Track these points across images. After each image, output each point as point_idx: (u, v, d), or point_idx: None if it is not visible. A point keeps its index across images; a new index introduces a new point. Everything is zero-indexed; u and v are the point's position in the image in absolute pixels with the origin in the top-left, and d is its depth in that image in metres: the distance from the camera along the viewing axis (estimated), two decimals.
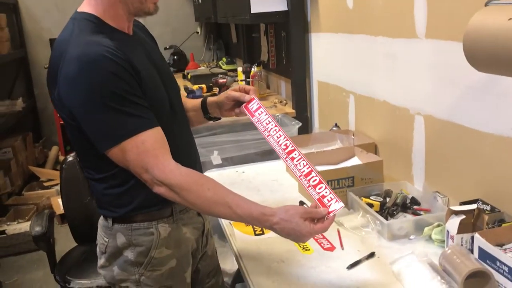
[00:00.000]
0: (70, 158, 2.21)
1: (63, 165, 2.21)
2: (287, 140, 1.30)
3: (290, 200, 1.76)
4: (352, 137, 2.11)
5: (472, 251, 1.23)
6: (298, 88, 2.75)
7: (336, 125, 2.31)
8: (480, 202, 1.39)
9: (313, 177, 1.22)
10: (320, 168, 1.84)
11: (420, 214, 1.55)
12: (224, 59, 4.65)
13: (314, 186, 1.21)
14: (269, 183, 2.00)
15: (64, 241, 3.18)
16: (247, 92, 1.41)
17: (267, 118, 1.35)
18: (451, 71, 1.51)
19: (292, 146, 1.28)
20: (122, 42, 1.19)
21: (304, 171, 1.24)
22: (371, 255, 1.37)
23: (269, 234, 1.52)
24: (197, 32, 5.18)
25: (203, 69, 4.42)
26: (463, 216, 1.26)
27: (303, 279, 1.29)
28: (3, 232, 3.32)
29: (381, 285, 1.26)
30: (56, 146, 4.92)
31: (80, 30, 1.17)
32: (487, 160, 1.41)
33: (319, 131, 2.64)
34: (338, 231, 1.52)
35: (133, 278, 1.30)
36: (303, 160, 1.25)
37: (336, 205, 1.16)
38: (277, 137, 1.31)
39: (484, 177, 1.44)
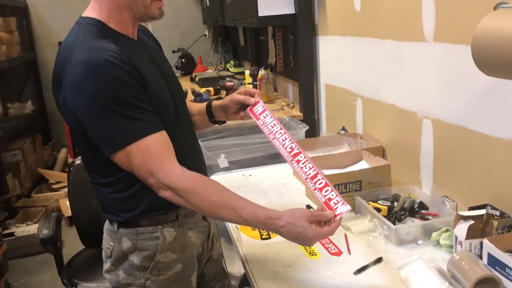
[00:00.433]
0: (77, 161, 2.22)
1: (71, 168, 2.22)
2: (292, 142, 1.29)
3: (297, 204, 1.74)
4: (360, 140, 2.10)
5: (481, 257, 1.21)
6: (306, 91, 2.75)
7: (343, 129, 2.30)
8: (489, 207, 1.37)
9: (319, 179, 1.21)
10: (327, 172, 1.83)
11: (428, 219, 1.53)
12: (231, 62, 4.65)
13: (320, 189, 1.20)
14: (276, 186, 2.00)
15: (72, 243, 3.19)
16: (252, 95, 1.41)
17: (272, 121, 1.35)
18: (460, 74, 1.49)
19: (298, 149, 1.27)
20: (126, 47, 1.19)
21: (310, 173, 1.23)
22: (379, 260, 1.36)
23: (276, 239, 1.52)
24: (205, 35, 5.19)
25: (210, 72, 4.42)
26: (472, 222, 1.25)
27: (309, 284, 1.28)
28: (12, 234, 3.35)
29: None
30: (65, 148, 4.95)
31: (84, 35, 1.17)
32: (496, 165, 1.40)
33: (327, 134, 2.63)
34: (345, 236, 1.51)
35: (138, 283, 1.30)
36: (309, 162, 1.24)
37: (343, 208, 1.15)
38: (282, 139, 1.31)
39: (493, 182, 1.42)
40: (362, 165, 1.90)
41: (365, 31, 2.07)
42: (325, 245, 1.47)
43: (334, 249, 1.45)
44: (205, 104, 1.52)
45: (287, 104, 3.02)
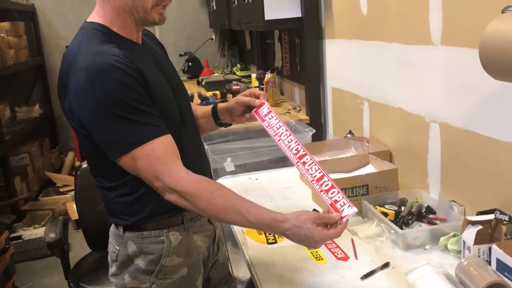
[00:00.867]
0: (84, 165, 2.23)
1: (78, 172, 2.23)
2: (298, 144, 1.29)
3: (303, 208, 1.71)
4: (367, 144, 2.09)
5: (489, 262, 1.20)
6: (312, 95, 2.74)
7: (350, 132, 2.29)
8: (498, 212, 1.36)
9: (325, 181, 1.21)
10: (334, 176, 1.82)
11: (436, 224, 1.52)
12: (238, 65, 4.66)
13: (327, 191, 1.19)
14: (282, 190, 1.99)
15: (79, 247, 3.20)
16: (257, 97, 1.41)
17: (277, 123, 1.34)
18: (467, 78, 1.48)
19: (304, 151, 1.27)
20: (130, 51, 1.20)
21: (316, 175, 1.23)
22: (386, 265, 1.35)
23: (282, 243, 1.51)
24: (212, 39, 5.20)
25: (217, 76, 4.43)
26: (480, 227, 1.24)
27: None
28: (19, 237, 3.36)
29: None
30: (72, 152, 4.97)
31: (89, 40, 1.18)
32: (505, 169, 1.38)
33: (333, 138, 2.62)
34: (352, 240, 1.50)
35: (144, 287, 1.29)
36: (315, 164, 1.24)
37: (349, 210, 1.15)
38: (288, 141, 1.30)
39: (502, 186, 1.41)
40: (369, 169, 1.89)
41: (372, 34, 2.07)
42: (331, 249, 1.46)
43: (341, 253, 1.44)
44: (210, 107, 1.53)
45: (294, 108, 3.02)
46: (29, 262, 3.35)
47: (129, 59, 1.15)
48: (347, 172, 1.89)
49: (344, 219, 1.13)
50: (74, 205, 3.68)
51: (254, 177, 2.18)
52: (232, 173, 2.36)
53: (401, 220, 1.53)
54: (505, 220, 1.33)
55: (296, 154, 1.28)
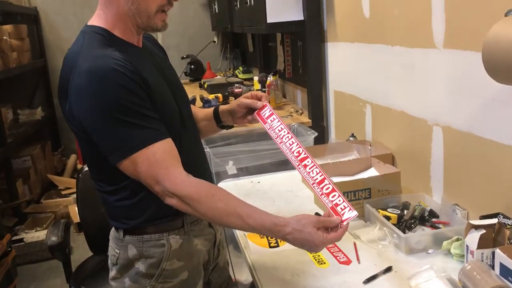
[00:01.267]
0: (86, 168, 2.23)
1: (79, 175, 2.22)
2: (299, 147, 1.28)
3: (305, 212, 1.71)
4: (369, 147, 2.08)
5: (493, 267, 1.19)
6: (314, 98, 2.74)
7: (352, 135, 2.28)
8: (501, 216, 1.35)
9: (326, 185, 1.20)
10: (336, 179, 1.82)
11: (439, 228, 1.51)
12: (240, 68, 4.66)
13: (327, 194, 1.19)
14: (284, 193, 1.98)
15: (81, 250, 3.20)
16: (259, 99, 1.41)
17: (279, 125, 1.34)
18: (470, 81, 1.48)
19: (305, 154, 1.26)
20: (131, 55, 1.19)
21: (317, 178, 1.22)
22: (388, 269, 1.34)
23: (284, 247, 1.51)
24: (214, 42, 5.20)
25: (219, 78, 4.43)
26: (483, 231, 1.23)
27: None
28: (21, 240, 3.36)
29: None
30: (74, 154, 4.97)
31: (90, 43, 1.18)
32: (508, 173, 1.37)
33: (336, 141, 2.61)
34: (355, 244, 1.50)
35: None
36: (316, 167, 1.23)
37: (350, 214, 1.14)
38: (289, 144, 1.30)
39: (505, 190, 1.40)
40: (372, 172, 1.89)
41: (374, 37, 2.06)
42: (334, 253, 1.45)
43: (343, 257, 1.43)
44: (212, 109, 1.52)
45: (296, 111, 3.02)
46: (31, 265, 3.34)
47: (130, 62, 1.15)
48: (350, 175, 1.89)
49: (344, 223, 1.13)
50: (76, 208, 3.69)
51: (256, 180, 2.17)
52: (234, 176, 2.36)
53: (404, 224, 1.53)
54: (508, 224, 1.32)
55: (297, 156, 1.27)
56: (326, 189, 1.20)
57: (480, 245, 1.22)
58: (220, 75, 4.76)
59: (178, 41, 5.10)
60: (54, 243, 2.00)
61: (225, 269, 1.56)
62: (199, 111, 1.54)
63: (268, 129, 1.35)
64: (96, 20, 1.24)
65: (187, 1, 5.12)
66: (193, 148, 1.37)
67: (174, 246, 1.29)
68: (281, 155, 2.37)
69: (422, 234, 1.47)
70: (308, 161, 1.25)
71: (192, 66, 4.85)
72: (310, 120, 2.78)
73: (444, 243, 1.40)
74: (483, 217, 1.34)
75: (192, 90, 4.00)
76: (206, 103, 3.18)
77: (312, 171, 1.24)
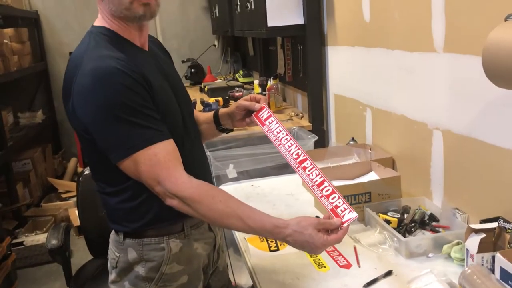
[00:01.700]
0: (86, 171, 2.23)
1: (80, 179, 2.22)
2: (298, 149, 1.28)
3: (305, 215, 1.73)
4: (369, 151, 2.08)
5: (493, 271, 1.19)
6: (315, 101, 2.74)
7: (353, 139, 2.28)
8: (501, 220, 1.35)
9: (326, 187, 1.20)
10: (337, 183, 1.82)
11: (439, 231, 1.51)
12: (241, 71, 4.66)
13: (327, 196, 1.19)
14: (285, 197, 1.98)
15: (81, 253, 3.20)
16: (257, 101, 1.42)
17: (278, 127, 1.34)
18: (470, 85, 1.48)
19: (304, 156, 1.26)
20: (135, 56, 1.20)
21: (316, 180, 1.22)
22: (388, 273, 1.34)
23: (284, 251, 1.50)
24: (215, 45, 5.21)
25: (219, 82, 4.44)
26: (484, 235, 1.23)
27: None
28: (21, 243, 3.36)
29: None
30: (74, 157, 4.98)
31: (95, 44, 1.19)
32: (508, 177, 1.37)
33: (336, 145, 2.61)
34: (355, 248, 1.50)
35: None
36: (315, 169, 1.23)
37: (350, 215, 1.14)
38: (288, 146, 1.30)
39: (505, 194, 1.40)
40: (372, 176, 1.89)
41: (375, 41, 2.07)
42: (334, 257, 1.45)
43: (344, 261, 1.43)
44: (212, 113, 1.53)
45: (296, 114, 3.02)
46: (30, 269, 3.34)
47: (134, 63, 1.16)
48: (350, 179, 1.89)
49: (345, 225, 1.13)
50: (76, 211, 3.69)
51: (256, 183, 2.18)
52: (235, 179, 2.35)
53: (404, 228, 1.53)
54: (508, 229, 1.32)
55: (296, 159, 1.27)
56: (326, 191, 1.20)
57: (481, 249, 1.22)
58: (221, 79, 4.76)
59: (179, 44, 5.11)
60: (55, 247, 2.00)
61: (225, 273, 1.56)
62: (200, 115, 1.55)
63: (267, 131, 1.35)
64: (99, 20, 1.26)
65: (188, 5, 5.13)
66: (194, 151, 1.37)
67: (174, 250, 1.29)
68: (281, 159, 2.37)
69: (422, 238, 1.47)
70: (307, 163, 1.25)
71: (193, 70, 4.86)
72: (310, 124, 2.78)
73: (445, 247, 1.40)
74: (483, 221, 1.34)
75: (192, 94, 4.00)
76: (206, 106, 3.19)
77: (311, 173, 1.24)
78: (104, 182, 1.29)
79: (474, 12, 1.42)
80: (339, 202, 1.17)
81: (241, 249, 1.59)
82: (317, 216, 1.69)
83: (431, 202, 1.70)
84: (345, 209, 1.15)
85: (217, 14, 4.40)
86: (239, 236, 1.64)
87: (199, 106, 3.32)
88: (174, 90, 1.31)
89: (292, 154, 1.28)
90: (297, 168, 1.26)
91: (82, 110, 1.15)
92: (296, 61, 3.12)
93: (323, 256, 1.45)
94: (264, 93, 3.27)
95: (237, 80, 4.53)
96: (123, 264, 1.30)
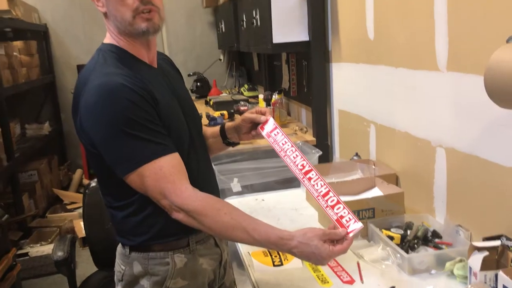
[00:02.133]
0: (93, 184, 2.25)
1: (86, 191, 2.24)
2: (303, 160, 1.30)
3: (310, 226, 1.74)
4: (373, 167, 2.09)
5: None
6: (319, 116, 2.76)
7: (356, 155, 2.30)
8: (504, 238, 1.36)
9: (330, 197, 1.22)
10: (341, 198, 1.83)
11: (442, 248, 1.52)
12: (245, 85, 4.70)
13: (332, 207, 1.20)
14: (289, 212, 2.00)
15: (85, 264, 3.20)
16: (263, 114, 1.44)
17: (283, 139, 1.36)
18: (473, 104, 1.50)
19: (309, 167, 1.28)
20: (143, 73, 1.23)
21: (321, 191, 1.23)
22: None
23: (288, 265, 1.51)
24: (220, 60, 5.27)
25: (225, 96, 4.47)
26: (486, 253, 1.24)
27: None
28: (26, 254, 3.37)
29: None
30: (80, 169, 5.00)
31: (104, 61, 1.22)
32: (511, 195, 1.39)
33: (340, 160, 2.63)
34: (358, 264, 1.50)
35: None
36: (320, 180, 1.25)
37: (355, 225, 1.15)
38: (293, 157, 1.32)
39: (508, 213, 1.41)
40: (375, 192, 1.90)
41: (378, 59, 2.10)
42: (337, 273, 1.46)
43: (347, 277, 1.44)
44: (219, 127, 1.56)
45: (300, 129, 3.04)
46: (35, 280, 3.35)
47: (140, 79, 1.19)
48: (354, 194, 1.90)
49: (350, 235, 1.14)
50: (81, 223, 3.71)
51: (260, 197, 2.19)
52: (239, 193, 2.37)
53: (407, 244, 1.54)
54: (511, 247, 1.33)
55: (301, 169, 1.29)
56: (331, 201, 1.21)
57: (483, 267, 1.23)
58: (226, 93, 4.80)
59: (185, 58, 5.17)
60: (60, 258, 2.01)
61: None
62: (207, 129, 1.58)
63: (272, 143, 1.37)
64: (108, 38, 1.29)
65: (195, 20, 5.20)
66: (201, 166, 1.39)
67: (178, 265, 1.30)
68: (286, 173, 2.39)
69: (425, 254, 1.48)
70: (312, 174, 1.27)
71: (198, 83, 4.91)
72: (314, 139, 2.80)
73: (447, 264, 1.41)
74: (486, 239, 1.35)
75: (198, 107, 3.96)
76: (212, 120, 3.22)
77: (316, 183, 1.25)
78: (111, 196, 1.31)
79: (477, 33, 1.45)
80: (344, 212, 1.18)
81: (245, 263, 1.60)
82: None
83: (434, 218, 1.71)
84: (350, 219, 1.16)
85: (223, 30, 4.46)
86: (243, 250, 1.65)
87: (204, 120, 3.35)
88: (181, 105, 1.34)
89: (297, 165, 1.30)
90: (302, 179, 1.27)
91: (88, 125, 1.18)
92: (300, 76, 3.15)
93: (327, 272, 1.46)
94: (269, 107, 3.30)
95: (242, 94, 4.57)
96: (129, 277, 1.31)
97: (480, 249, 1.26)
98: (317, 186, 1.24)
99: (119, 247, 1.37)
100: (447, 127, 1.65)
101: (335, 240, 1.14)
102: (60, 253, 2.02)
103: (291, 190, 2.23)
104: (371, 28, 2.13)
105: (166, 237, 1.29)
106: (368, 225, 1.65)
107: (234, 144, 1.56)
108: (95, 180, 2.26)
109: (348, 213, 1.17)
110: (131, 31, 1.23)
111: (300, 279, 1.44)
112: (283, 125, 3.21)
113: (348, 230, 1.15)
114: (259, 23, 2.93)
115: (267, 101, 3.40)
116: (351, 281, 1.42)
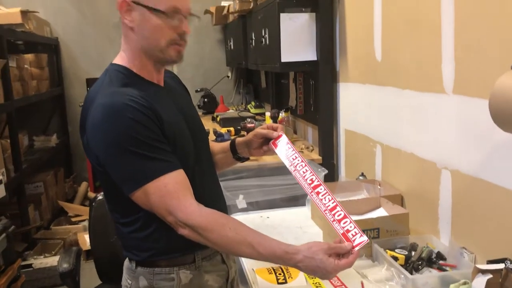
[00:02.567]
0: (100, 197, 2.26)
1: (93, 203, 2.26)
2: (313, 175, 1.32)
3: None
4: (379, 187, 2.10)
5: None
6: (325, 135, 2.78)
7: (362, 174, 2.31)
8: (509, 262, 1.36)
9: (338, 211, 1.23)
10: None
11: (446, 270, 1.52)
12: (252, 103, 4.74)
13: (339, 221, 1.21)
14: (294, 229, 2.00)
15: (88, 277, 3.19)
16: (274, 130, 1.46)
17: (293, 154, 1.39)
18: (479, 127, 1.51)
19: (318, 181, 1.30)
20: (149, 92, 1.25)
21: (329, 205, 1.25)
22: None
23: (292, 283, 1.52)
24: (228, 76, 5.32)
25: (232, 112, 4.51)
26: (490, 276, 1.24)
27: None
28: (29, 265, 3.37)
29: None
30: (85, 182, 5.03)
31: (110, 81, 1.25)
32: None
33: (346, 179, 2.64)
34: (362, 284, 1.51)
35: None
36: (328, 194, 1.27)
37: (361, 239, 1.16)
38: (303, 172, 1.34)
39: None
40: (381, 212, 1.91)
41: (385, 80, 2.12)
42: None
43: None
44: (228, 142, 1.57)
45: (307, 147, 3.06)
46: None
47: (145, 99, 1.21)
48: (359, 214, 1.91)
49: (356, 249, 1.15)
50: (86, 236, 3.72)
51: (265, 215, 2.20)
52: (244, 210, 2.38)
53: (411, 265, 1.54)
54: None
55: (310, 184, 1.31)
56: (338, 215, 1.22)
57: None
58: (233, 109, 4.84)
59: (193, 74, 5.22)
60: (66, 270, 2.02)
61: None
62: (215, 145, 1.60)
63: (283, 158, 1.40)
64: (119, 59, 1.31)
65: (204, 37, 5.26)
66: (208, 181, 1.40)
67: (183, 281, 1.31)
68: (291, 191, 2.41)
69: (429, 276, 1.48)
70: (321, 189, 1.29)
71: (206, 99, 4.95)
72: (320, 157, 2.81)
73: (451, 286, 1.40)
74: (490, 262, 1.35)
75: (204, 123, 3.98)
76: (219, 137, 3.24)
77: (324, 198, 1.27)
78: (118, 212, 1.33)
79: (483, 57, 1.47)
80: (351, 227, 1.19)
81: (249, 280, 1.61)
82: None
83: (439, 240, 1.72)
84: (356, 233, 1.18)
85: (232, 47, 4.51)
86: (247, 267, 1.66)
87: (211, 136, 3.38)
88: (188, 123, 1.36)
89: (306, 180, 1.32)
90: (310, 193, 1.29)
91: (94, 144, 1.20)
92: (307, 95, 3.18)
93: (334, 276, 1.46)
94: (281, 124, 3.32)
95: (249, 111, 4.60)
96: None
97: (484, 271, 1.26)
98: (325, 200, 1.27)
99: (126, 262, 1.38)
100: (452, 149, 1.66)
101: (341, 254, 1.14)
102: (65, 265, 2.04)
103: (296, 208, 2.24)
104: (379, 50, 2.16)
105: (171, 253, 1.30)
106: (372, 245, 1.65)
107: (244, 159, 1.58)
108: (102, 193, 2.28)
109: (355, 227, 1.19)
110: (159, 57, 1.27)
111: None
112: None
113: (354, 244, 1.16)
114: (267, 42, 2.97)
115: (274, 118, 3.43)
116: None
